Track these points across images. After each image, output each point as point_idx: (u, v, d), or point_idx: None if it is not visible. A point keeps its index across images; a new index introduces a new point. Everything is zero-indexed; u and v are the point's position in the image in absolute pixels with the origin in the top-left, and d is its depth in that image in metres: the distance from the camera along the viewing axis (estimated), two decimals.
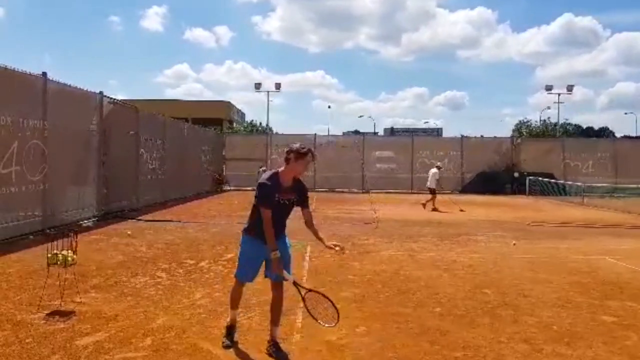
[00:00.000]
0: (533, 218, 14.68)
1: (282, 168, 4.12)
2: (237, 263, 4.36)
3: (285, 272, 4.01)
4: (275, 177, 4.07)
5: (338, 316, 3.82)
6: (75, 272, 5.60)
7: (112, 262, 7.54)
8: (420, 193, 25.23)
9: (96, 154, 12.61)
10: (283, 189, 4.07)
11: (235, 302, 4.39)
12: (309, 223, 4.26)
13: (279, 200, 4.05)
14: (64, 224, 10.48)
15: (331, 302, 3.89)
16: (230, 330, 4.36)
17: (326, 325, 3.87)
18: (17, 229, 9.26)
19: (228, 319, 4.44)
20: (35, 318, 4.86)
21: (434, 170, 17.89)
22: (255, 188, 4.17)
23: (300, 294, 3.97)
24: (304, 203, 4.23)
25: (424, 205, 17.12)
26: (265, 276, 4.24)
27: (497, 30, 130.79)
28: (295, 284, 4.02)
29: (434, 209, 16.76)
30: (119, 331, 4.57)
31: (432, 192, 17.40)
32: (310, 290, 4.00)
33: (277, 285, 4.21)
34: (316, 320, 3.91)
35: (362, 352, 4.21)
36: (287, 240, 4.29)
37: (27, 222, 9.60)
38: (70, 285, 5.50)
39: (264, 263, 4.22)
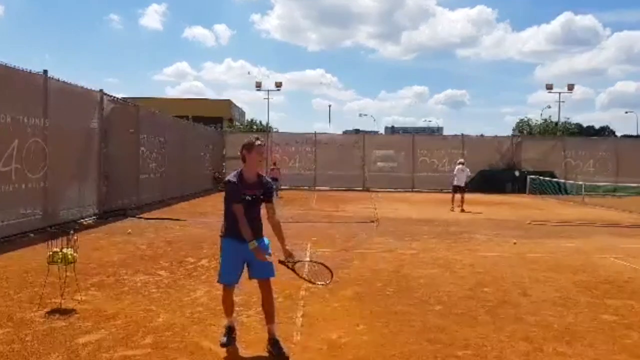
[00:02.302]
0: (533, 217, 14.67)
1: (243, 166, 4.20)
2: (218, 268, 4.33)
3: (267, 256, 4.07)
4: (239, 175, 4.17)
5: (331, 274, 4.11)
6: (76, 270, 5.59)
7: (112, 260, 7.54)
8: (421, 192, 25.30)
9: (97, 152, 12.60)
10: (248, 185, 4.14)
11: (229, 310, 4.35)
12: (270, 217, 4.22)
13: (245, 196, 4.11)
14: (64, 222, 10.49)
15: (322, 264, 4.18)
16: (230, 330, 4.33)
17: (320, 283, 4.21)
18: (17, 226, 9.27)
19: (225, 323, 4.39)
20: (35, 316, 4.86)
21: (461, 166, 17.32)
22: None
23: (289, 267, 4.12)
24: (267, 197, 4.25)
25: (462, 209, 16.39)
26: (250, 277, 4.23)
27: (497, 29, 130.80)
28: (280, 262, 4.11)
29: (462, 209, 16.32)
30: (120, 329, 4.56)
31: (463, 190, 16.96)
32: (297, 261, 4.15)
33: (265, 283, 4.19)
34: (311, 282, 4.24)
35: (362, 351, 4.21)
36: (265, 240, 4.24)
37: (27, 220, 9.60)
38: (70, 283, 5.49)
39: (245, 266, 4.20)
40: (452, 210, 16.27)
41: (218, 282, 4.38)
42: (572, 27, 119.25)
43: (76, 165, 11.67)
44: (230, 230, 4.16)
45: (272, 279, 4.22)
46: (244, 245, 4.06)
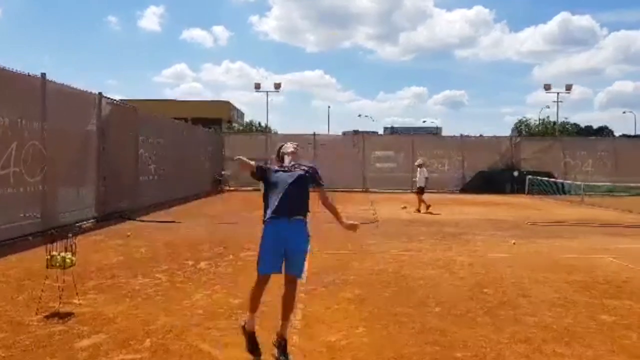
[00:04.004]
0: (532, 217, 14.68)
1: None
2: (258, 258, 4.12)
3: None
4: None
5: None
6: (74, 273, 5.59)
7: (111, 263, 7.53)
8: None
9: (95, 155, 12.59)
10: (284, 166, 4.36)
11: (255, 303, 4.16)
12: (323, 202, 4.44)
13: (283, 170, 4.28)
14: (63, 225, 10.46)
15: None
16: (252, 337, 4.10)
17: None
18: (15, 230, 9.25)
19: (245, 324, 4.15)
20: (34, 320, 4.86)
21: (423, 168, 17.06)
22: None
23: None
24: (316, 182, 4.36)
25: (418, 210, 16.12)
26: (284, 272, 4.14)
27: (494, 29, 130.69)
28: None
29: (418, 210, 16.03)
30: (118, 333, 4.56)
31: (422, 191, 16.59)
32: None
33: (291, 280, 4.14)
34: None
35: (362, 353, 4.20)
36: (305, 229, 4.20)
37: (26, 224, 9.59)
38: (69, 286, 5.48)
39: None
40: (430, 211, 15.74)
41: (258, 272, 4.10)
42: (570, 27, 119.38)
43: (75, 168, 11.66)
44: (268, 210, 4.14)
45: (278, 280, 4.18)
46: (284, 220, 4.07)
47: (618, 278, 7.04)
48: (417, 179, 16.92)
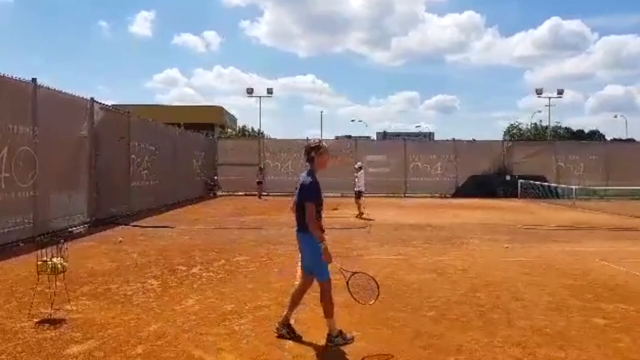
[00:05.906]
0: (525, 221, 14.73)
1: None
2: (322, 267, 4.49)
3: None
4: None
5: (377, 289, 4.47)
6: (66, 279, 5.54)
7: (103, 269, 7.47)
8: (414, 197, 25.38)
9: (87, 160, 12.53)
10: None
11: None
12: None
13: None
14: (54, 231, 10.39)
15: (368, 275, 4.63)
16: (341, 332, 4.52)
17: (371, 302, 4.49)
18: (7, 236, 9.18)
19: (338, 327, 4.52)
20: (25, 326, 4.80)
21: (362, 171, 16.61)
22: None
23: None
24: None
25: (360, 215, 15.70)
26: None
27: (485, 34, 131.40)
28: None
29: (360, 215, 15.63)
30: (110, 339, 4.52)
31: (360, 195, 16.26)
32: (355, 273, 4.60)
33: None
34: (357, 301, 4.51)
35: (354, 358, 4.19)
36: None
37: (17, 229, 9.52)
38: (60, 292, 5.44)
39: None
40: (361, 217, 15.45)
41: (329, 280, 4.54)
42: (560, 32, 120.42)
43: (66, 174, 11.59)
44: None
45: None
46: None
47: (611, 281, 7.06)
48: (357, 182, 16.48)
